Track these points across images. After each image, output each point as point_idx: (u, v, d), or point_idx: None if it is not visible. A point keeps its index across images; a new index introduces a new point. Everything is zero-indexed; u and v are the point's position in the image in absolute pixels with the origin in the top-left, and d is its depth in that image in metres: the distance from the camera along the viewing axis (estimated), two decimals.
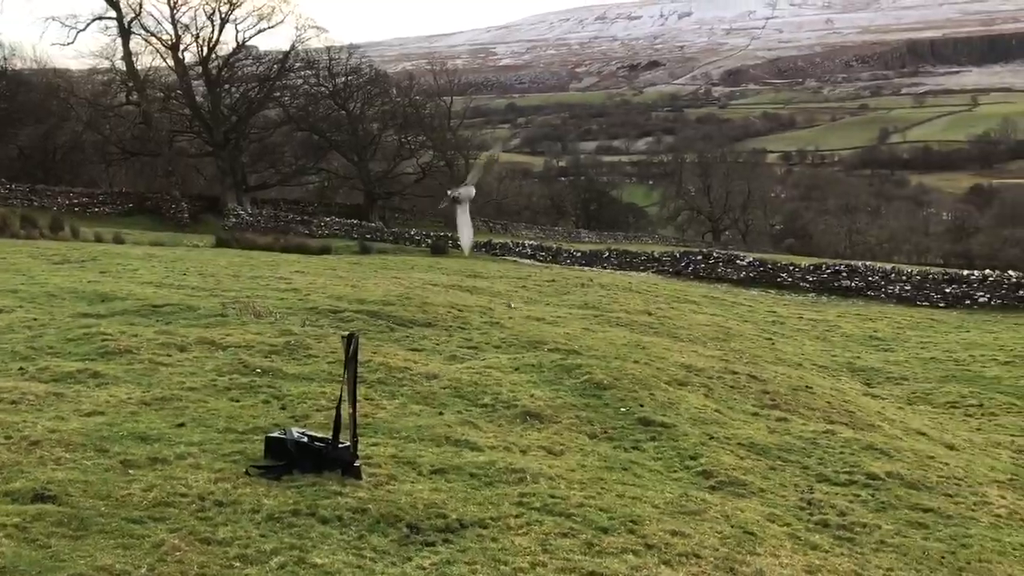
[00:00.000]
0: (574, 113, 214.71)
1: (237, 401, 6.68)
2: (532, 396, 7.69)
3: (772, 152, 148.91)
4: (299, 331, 9.68)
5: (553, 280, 24.62)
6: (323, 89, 52.57)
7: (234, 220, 39.36)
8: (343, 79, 52.75)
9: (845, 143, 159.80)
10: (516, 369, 8.88)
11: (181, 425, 5.81)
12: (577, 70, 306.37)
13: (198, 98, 47.10)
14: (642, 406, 8.01)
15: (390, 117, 55.80)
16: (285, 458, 5.08)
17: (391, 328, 10.77)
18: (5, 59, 49.47)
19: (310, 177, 56.29)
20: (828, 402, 10.19)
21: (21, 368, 7.09)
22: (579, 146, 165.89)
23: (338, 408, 5.13)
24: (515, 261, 32.47)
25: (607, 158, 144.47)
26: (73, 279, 13.86)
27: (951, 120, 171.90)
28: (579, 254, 32.70)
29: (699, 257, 30.02)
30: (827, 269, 27.34)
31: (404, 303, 12.65)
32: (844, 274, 26.79)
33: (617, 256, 31.66)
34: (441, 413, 6.95)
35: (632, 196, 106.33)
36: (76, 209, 39.23)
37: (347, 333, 4.99)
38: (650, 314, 17.66)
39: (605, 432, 7.19)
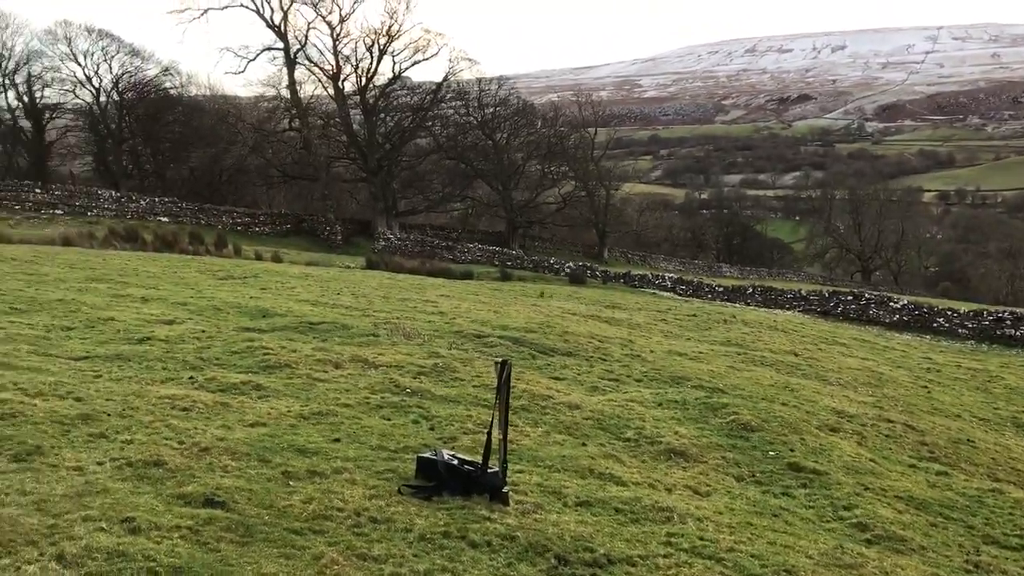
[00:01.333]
0: (719, 145, 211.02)
1: (388, 420, 6.87)
2: (676, 433, 7.55)
3: (929, 191, 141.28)
4: (446, 354, 9.89)
5: (694, 315, 24.18)
6: (472, 119, 53.94)
7: (383, 243, 40.80)
8: (491, 110, 54.00)
9: (1010, 183, 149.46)
10: (659, 404, 8.74)
11: (337, 440, 6.02)
12: (724, 102, 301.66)
13: (355, 126, 49.28)
14: (792, 451, 7.72)
15: (534, 147, 56.64)
16: (435, 479, 5.18)
17: (533, 356, 10.84)
18: (183, 86, 53.40)
19: (455, 204, 57.74)
20: (993, 458, 9.53)
21: (191, 377, 7.55)
22: (723, 179, 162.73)
23: (489, 433, 5.19)
24: (654, 293, 32.11)
25: (752, 192, 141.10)
26: (236, 294, 14.70)
27: None
28: (721, 289, 31.99)
29: (849, 297, 28.78)
30: (989, 316, 25.64)
31: (545, 331, 12.72)
32: (1008, 322, 25.04)
33: (761, 293, 30.78)
34: (584, 444, 6.92)
35: (777, 231, 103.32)
36: (239, 228, 41.70)
37: (500, 360, 5.05)
38: (796, 355, 17.05)
39: (753, 475, 6.96)
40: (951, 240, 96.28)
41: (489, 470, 5.13)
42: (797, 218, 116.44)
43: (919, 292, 57.68)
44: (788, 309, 29.62)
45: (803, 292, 30.39)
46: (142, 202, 40.20)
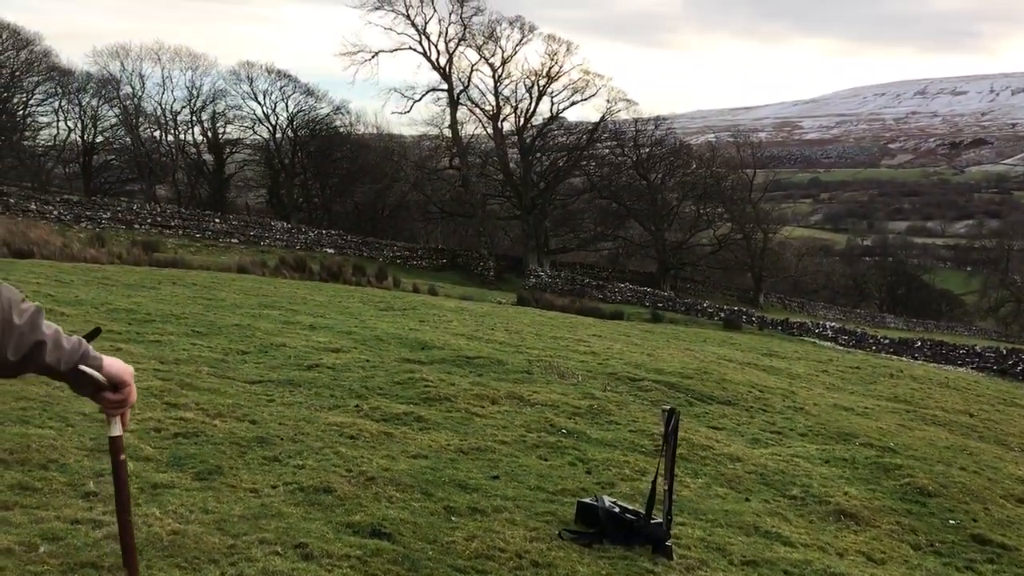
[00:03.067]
0: (884, 191, 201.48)
1: (545, 460, 6.84)
2: (846, 494, 7.12)
3: None
4: (600, 395, 9.79)
5: (858, 367, 23.00)
6: (627, 159, 53.99)
7: (534, 280, 41.24)
8: (647, 150, 53.88)
9: None
10: (826, 462, 8.30)
11: (495, 477, 6.03)
12: (890, 146, 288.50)
13: (511, 165, 50.34)
14: (975, 521, 7.13)
15: (690, 188, 56.00)
16: (595, 525, 5.08)
17: (690, 402, 10.56)
18: (351, 125, 56.22)
19: (606, 244, 57.75)
20: None
21: (357, 405, 7.78)
22: (887, 225, 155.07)
23: (654, 483, 5.06)
24: (814, 343, 30.83)
25: (919, 240, 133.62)
26: (397, 326, 15.16)
27: None
28: (886, 341, 30.34)
29: None
30: None
31: (702, 378, 12.39)
32: None
33: (931, 347, 28.98)
34: (747, 500, 6.63)
35: (946, 282, 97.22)
36: (398, 261, 43.24)
37: (668, 408, 4.93)
38: (972, 415, 15.88)
39: (931, 545, 6.46)
40: None
41: (653, 520, 4.99)
42: (969, 269, 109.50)
43: None
44: (960, 366, 27.72)
45: (977, 348, 28.38)
46: (310, 234, 42.40)
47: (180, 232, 38.14)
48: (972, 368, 27.23)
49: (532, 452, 7.02)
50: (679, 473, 7.07)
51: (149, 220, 37.67)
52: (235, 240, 39.28)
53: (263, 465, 5.50)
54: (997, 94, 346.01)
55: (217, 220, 39.99)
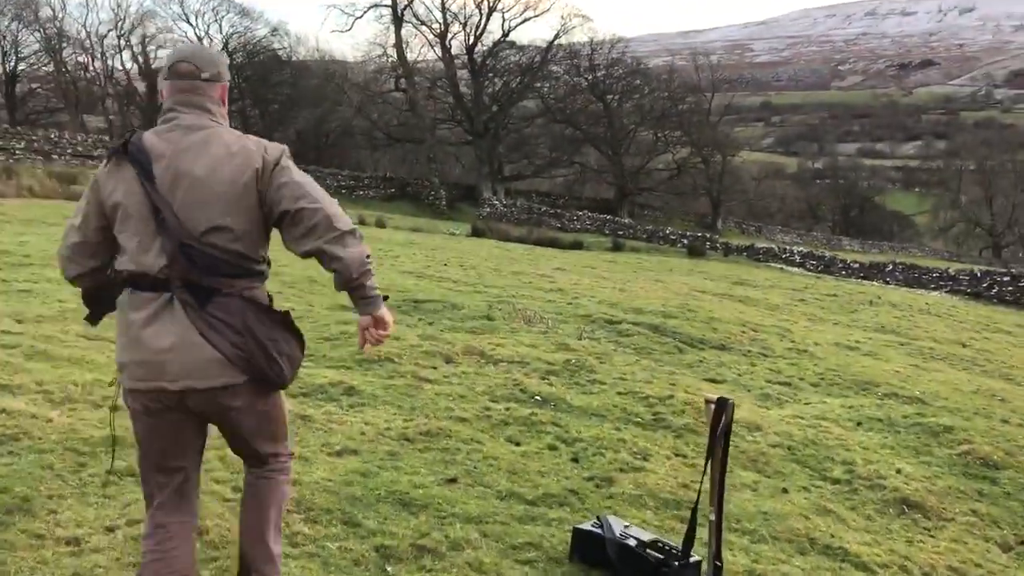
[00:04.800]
0: (834, 113, 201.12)
1: (518, 444, 5.15)
2: (900, 473, 5.58)
3: None
4: (576, 345, 8.12)
5: (835, 294, 21.77)
6: (582, 80, 51.68)
7: (488, 210, 39.29)
8: (603, 71, 51.61)
9: None
10: (858, 424, 6.76)
11: (452, 481, 4.34)
12: (840, 68, 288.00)
13: (461, 87, 47.76)
14: None
15: (647, 111, 54.00)
16: (602, 563, 3.43)
17: (679, 348, 8.95)
18: (291, 48, 52.90)
19: (561, 170, 55.77)
20: None
21: None
22: (838, 148, 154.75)
23: (694, 512, 3.38)
24: (782, 268, 29.57)
25: (869, 161, 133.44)
26: None
27: None
28: (856, 265, 29.18)
29: (1006, 278, 25.62)
30: None
31: (687, 316, 10.80)
32: None
33: (903, 271, 27.86)
34: (784, 490, 5.04)
35: (897, 204, 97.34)
36: (343, 191, 40.85)
37: (714, 399, 3.21)
38: (964, 345, 14.63)
39: (1022, 543, 4.96)
40: None
41: (691, 560, 3.33)
42: (918, 190, 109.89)
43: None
44: (934, 289, 26.68)
45: (951, 271, 27.32)
46: None
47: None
48: (946, 292, 26.21)
49: (500, 433, 5.33)
50: (688, 452, 5.47)
51: (69, 150, 34.75)
52: None
53: (102, 490, 3.70)
54: (945, 14, 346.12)
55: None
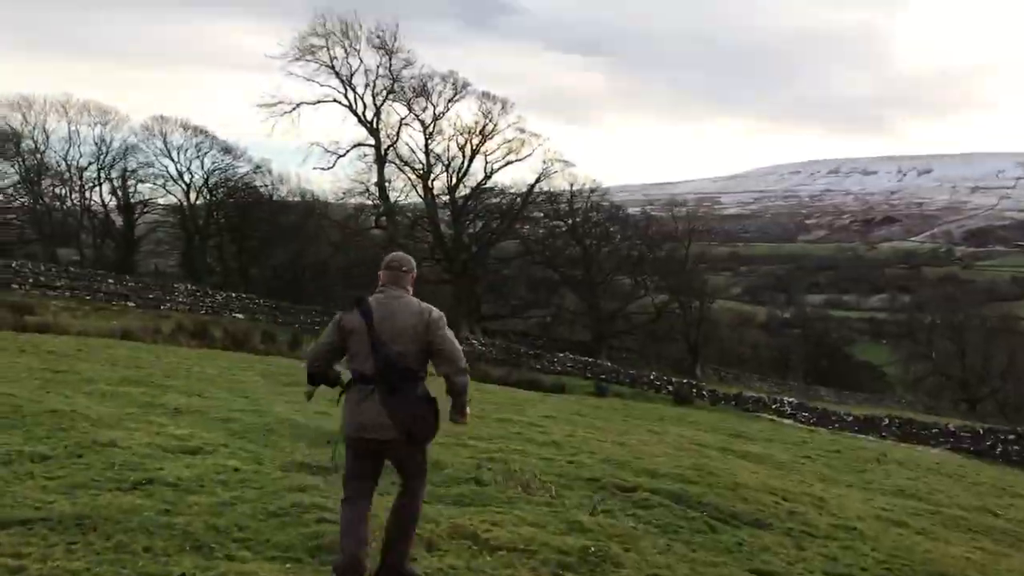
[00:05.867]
0: (801, 265, 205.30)
1: None
2: None
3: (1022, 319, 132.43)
4: (591, 523, 6.51)
5: (838, 451, 20.27)
6: (562, 223, 51.59)
7: (466, 349, 37.79)
8: (582, 216, 51.64)
9: None
10: None
11: None
12: (807, 222, 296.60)
13: (442, 227, 47.29)
14: None
15: (625, 255, 53.84)
16: None
17: (711, 527, 7.34)
18: (273, 185, 52.53)
19: (537, 311, 54.89)
20: None
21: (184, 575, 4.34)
22: (805, 298, 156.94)
23: None
24: (773, 420, 28.11)
25: (836, 312, 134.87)
26: (298, 407, 11.69)
27: None
28: (851, 418, 27.81)
29: (1011, 436, 24.29)
30: None
31: (708, 481, 9.23)
32: None
33: (899, 425, 26.51)
34: None
35: (866, 354, 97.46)
36: (316, 328, 39.35)
37: None
38: (996, 515, 13.10)
39: None
40: None
41: None
42: (884, 341, 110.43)
43: None
44: (933, 446, 25.27)
45: (950, 427, 26.00)
46: (218, 297, 38.27)
47: (67, 294, 33.71)
48: (946, 448, 24.81)
49: None
50: None
51: (31, 279, 33.19)
52: (132, 303, 34.96)
53: None
54: (904, 175, 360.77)
55: (111, 281, 35.59)
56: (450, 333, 4.70)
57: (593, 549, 5.72)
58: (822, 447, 20.70)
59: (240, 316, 36.93)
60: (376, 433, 4.58)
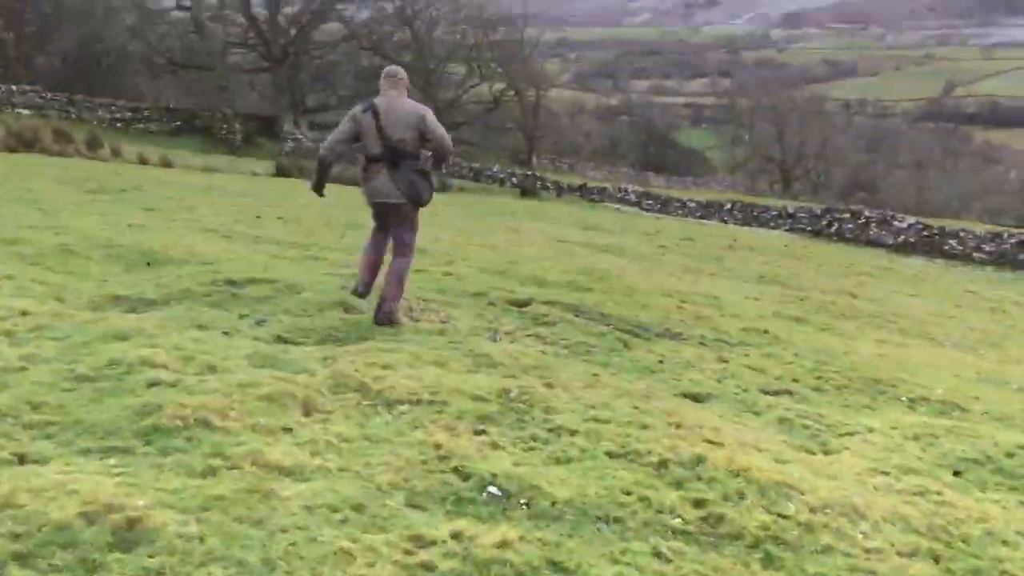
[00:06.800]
0: (627, 50, 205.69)
1: None
2: None
3: (833, 100, 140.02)
4: (499, 354, 5.33)
5: (690, 238, 20.19)
6: (389, 4, 47.59)
7: (292, 144, 35.03)
8: None
9: (909, 94, 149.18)
10: (956, 474, 4.46)
11: None
12: (632, 4, 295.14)
13: (255, 8, 42.33)
14: None
15: (459, 40, 50.86)
16: None
17: (624, 342, 6.37)
18: None
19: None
20: None
21: None
22: (632, 84, 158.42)
23: None
24: (618, 209, 27.88)
25: (660, 99, 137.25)
26: (108, 220, 9.66)
27: (1022, 75, 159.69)
28: (693, 204, 27.95)
29: (846, 215, 25.10)
30: (1010, 238, 22.41)
31: (601, 287, 8.27)
32: None
33: (740, 209, 26.90)
34: None
35: (689, 140, 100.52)
36: (118, 125, 35.17)
37: None
38: (854, 296, 13.22)
39: None
40: (860, 150, 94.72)
41: None
42: (705, 126, 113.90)
43: (834, 203, 55.11)
44: (774, 228, 25.88)
45: (789, 209, 26.63)
46: None
47: None
48: (785, 230, 25.45)
49: None
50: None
51: None
52: None
53: None
54: None
55: None
56: (439, 126, 6.00)
57: (514, 392, 4.55)
58: (675, 235, 20.54)
59: (26, 112, 32.21)
60: (386, 197, 5.98)
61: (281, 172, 25.59)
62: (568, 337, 6.19)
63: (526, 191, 28.06)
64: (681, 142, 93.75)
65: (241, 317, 5.70)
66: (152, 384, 3.97)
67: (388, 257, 6.22)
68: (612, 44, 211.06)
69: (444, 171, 6.82)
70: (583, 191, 29.88)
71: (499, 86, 51.72)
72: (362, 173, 6.07)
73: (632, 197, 28.70)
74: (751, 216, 26.28)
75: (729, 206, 27.18)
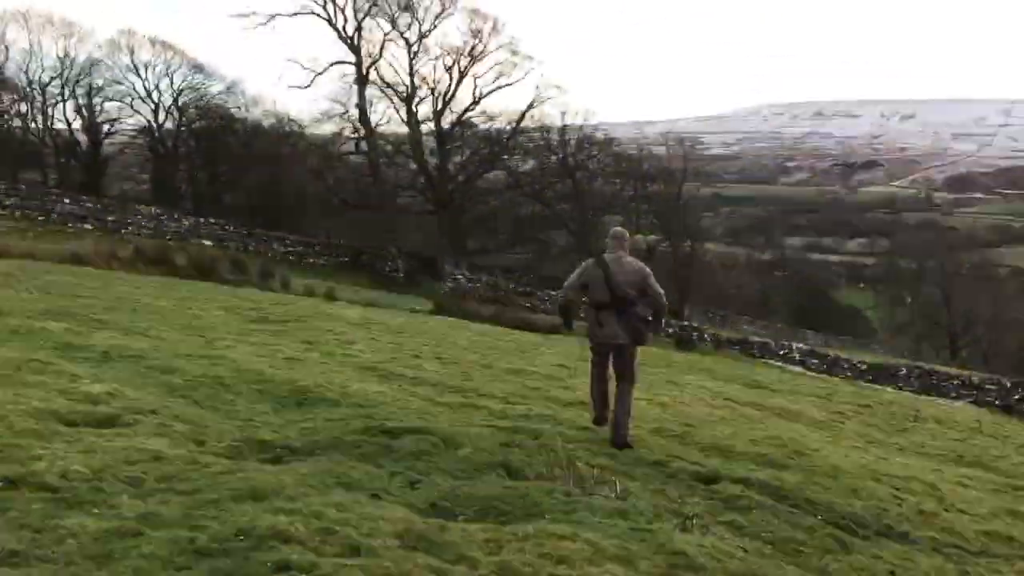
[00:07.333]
0: (782, 207, 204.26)
1: None
2: None
3: (1002, 266, 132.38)
4: (693, 551, 4.35)
5: (868, 406, 18.37)
6: (554, 156, 48.85)
7: (452, 284, 35.54)
8: (573, 147, 48.93)
9: None
10: None
11: None
12: (788, 165, 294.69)
13: (426, 155, 44.37)
14: None
15: (618, 191, 51.49)
16: None
17: (840, 542, 5.22)
18: (246, 107, 49.21)
19: (524, 247, 52.49)
20: None
21: None
22: (786, 241, 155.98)
23: None
24: (782, 367, 26.23)
25: (816, 256, 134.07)
26: (265, 351, 9.40)
27: None
28: (864, 367, 25.97)
29: None
30: None
31: (799, 463, 7.13)
32: None
33: (918, 376, 24.72)
34: None
35: (847, 299, 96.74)
36: (291, 258, 36.80)
37: None
38: None
39: None
40: None
41: None
42: (862, 285, 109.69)
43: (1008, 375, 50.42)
44: (955, 399, 23.54)
45: (974, 379, 24.26)
46: (185, 222, 35.49)
47: (17, 214, 30.91)
48: (969, 402, 23.09)
49: None
50: None
51: None
52: (89, 226, 32.19)
53: None
54: (887, 119, 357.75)
55: (67, 201, 32.73)
56: (658, 285, 7.08)
57: None
58: (849, 401, 18.82)
59: (208, 243, 34.29)
60: (613, 339, 6.94)
61: (440, 310, 25.70)
62: (771, 529, 5.11)
63: (683, 342, 26.94)
64: (838, 300, 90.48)
65: (392, 475, 4.99)
66: (280, 569, 3.24)
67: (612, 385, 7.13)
68: (767, 201, 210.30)
69: (662, 325, 7.46)
70: (743, 345, 28.45)
71: (653, 237, 51.50)
72: (593, 317, 7.00)
73: (795, 355, 27.01)
74: (930, 384, 24.05)
75: (905, 371, 25.04)
